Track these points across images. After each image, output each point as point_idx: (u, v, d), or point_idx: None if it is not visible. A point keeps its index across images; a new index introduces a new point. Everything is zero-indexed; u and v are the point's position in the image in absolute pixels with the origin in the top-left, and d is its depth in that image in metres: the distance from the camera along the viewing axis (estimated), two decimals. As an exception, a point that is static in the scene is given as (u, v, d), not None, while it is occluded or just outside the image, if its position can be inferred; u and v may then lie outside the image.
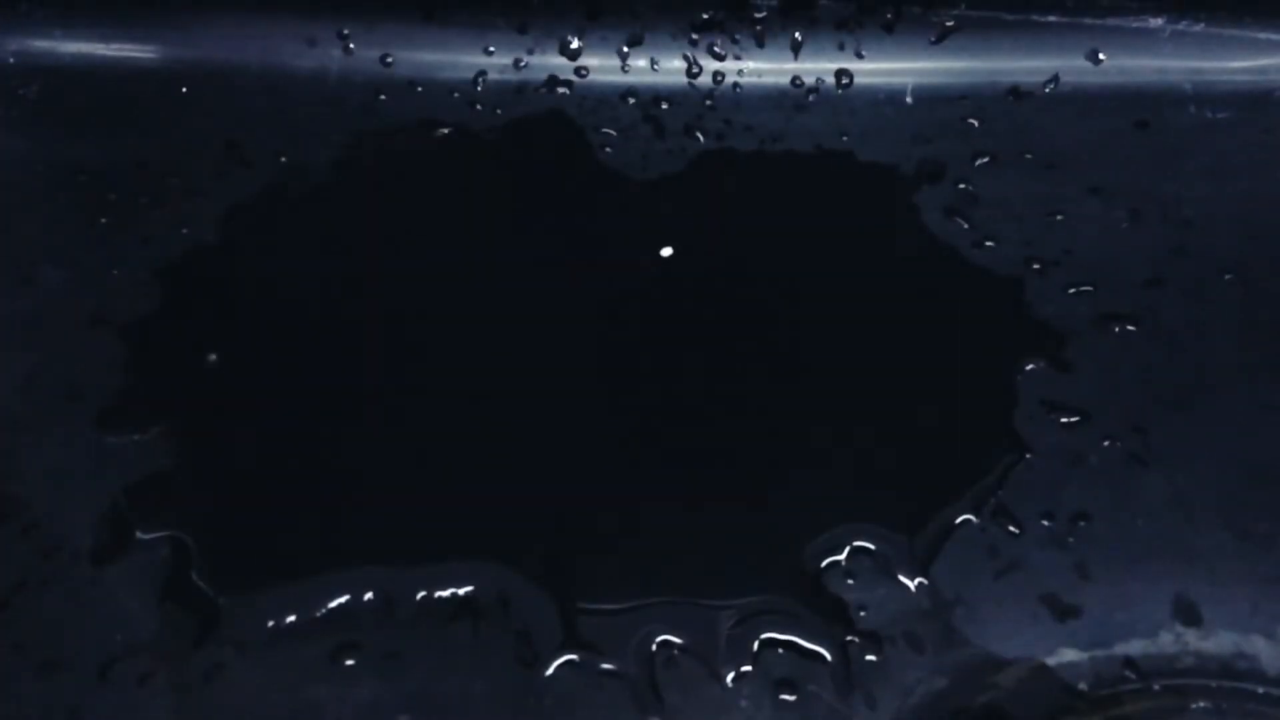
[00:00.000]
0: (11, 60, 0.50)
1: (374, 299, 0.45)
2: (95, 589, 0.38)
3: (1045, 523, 0.39)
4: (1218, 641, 0.36)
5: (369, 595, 0.38)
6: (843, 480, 0.41)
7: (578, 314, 0.45)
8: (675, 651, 0.37)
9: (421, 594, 0.38)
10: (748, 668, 0.36)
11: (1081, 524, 0.39)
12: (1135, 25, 0.50)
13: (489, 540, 0.39)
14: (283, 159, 0.48)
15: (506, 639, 0.37)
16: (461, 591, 0.38)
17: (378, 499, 0.41)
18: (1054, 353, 0.43)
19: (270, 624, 0.37)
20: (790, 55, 0.51)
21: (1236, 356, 0.43)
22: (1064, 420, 0.41)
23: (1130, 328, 0.44)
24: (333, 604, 0.38)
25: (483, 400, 0.43)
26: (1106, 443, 0.41)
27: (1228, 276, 0.45)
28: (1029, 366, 0.43)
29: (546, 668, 0.36)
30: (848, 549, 0.39)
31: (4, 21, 0.50)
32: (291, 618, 0.37)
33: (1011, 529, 0.39)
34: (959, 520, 0.39)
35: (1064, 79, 0.50)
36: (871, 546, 0.39)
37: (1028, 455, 0.41)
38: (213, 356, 0.43)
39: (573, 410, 0.43)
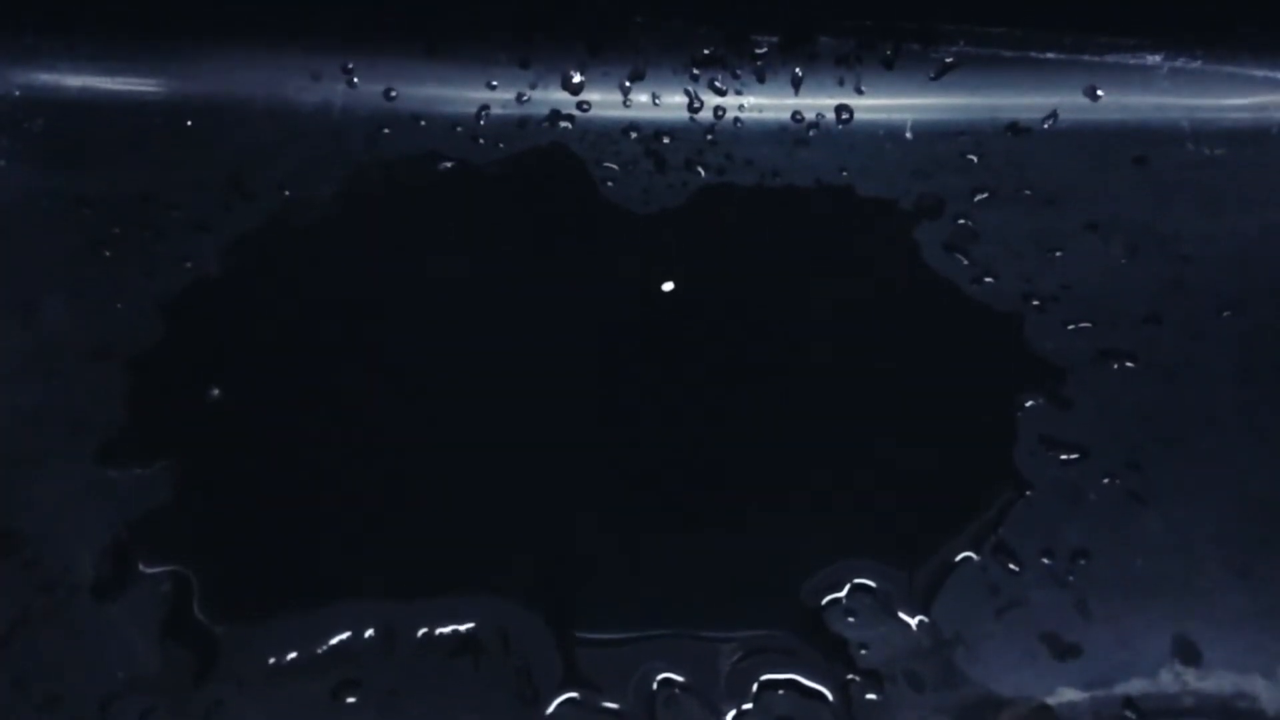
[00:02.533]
0: (17, 93, 0.50)
1: (376, 332, 0.45)
2: (96, 624, 0.38)
3: (1045, 560, 0.39)
4: (1217, 681, 0.36)
5: (370, 632, 0.38)
6: (843, 516, 0.41)
7: (580, 347, 0.45)
8: (676, 690, 0.37)
9: (423, 630, 0.38)
10: (748, 706, 0.36)
11: (1081, 561, 0.39)
12: (1133, 62, 0.50)
13: (489, 574, 0.39)
14: (286, 192, 0.49)
15: (507, 675, 0.37)
16: (463, 628, 0.38)
17: (379, 533, 0.41)
18: (1053, 389, 0.43)
19: (271, 660, 0.37)
20: (791, 91, 0.51)
21: (1235, 393, 0.43)
22: (1063, 457, 0.42)
23: (1129, 364, 0.44)
24: (334, 640, 0.38)
25: (484, 433, 0.43)
26: (1106, 480, 0.41)
27: (1226, 313, 0.45)
28: (1028, 403, 0.43)
29: (547, 706, 0.36)
30: (848, 586, 0.39)
31: (10, 55, 0.51)
32: (293, 654, 0.37)
33: (1012, 566, 0.39)
34: (959, 557, 0.39)
35: (1062, 115, 0.50)
36: (872, 584, 0.39)
37: (1028, 492, 0.41)
38: (215, 390, 0.43)
39: (574, 444, 0.43)
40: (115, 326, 0.45)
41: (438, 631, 0.38)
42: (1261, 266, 0.46)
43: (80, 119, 0.50)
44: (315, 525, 0.41)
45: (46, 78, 0.51)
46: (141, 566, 0.39)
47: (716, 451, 0.43)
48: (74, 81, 0.51)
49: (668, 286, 0.46)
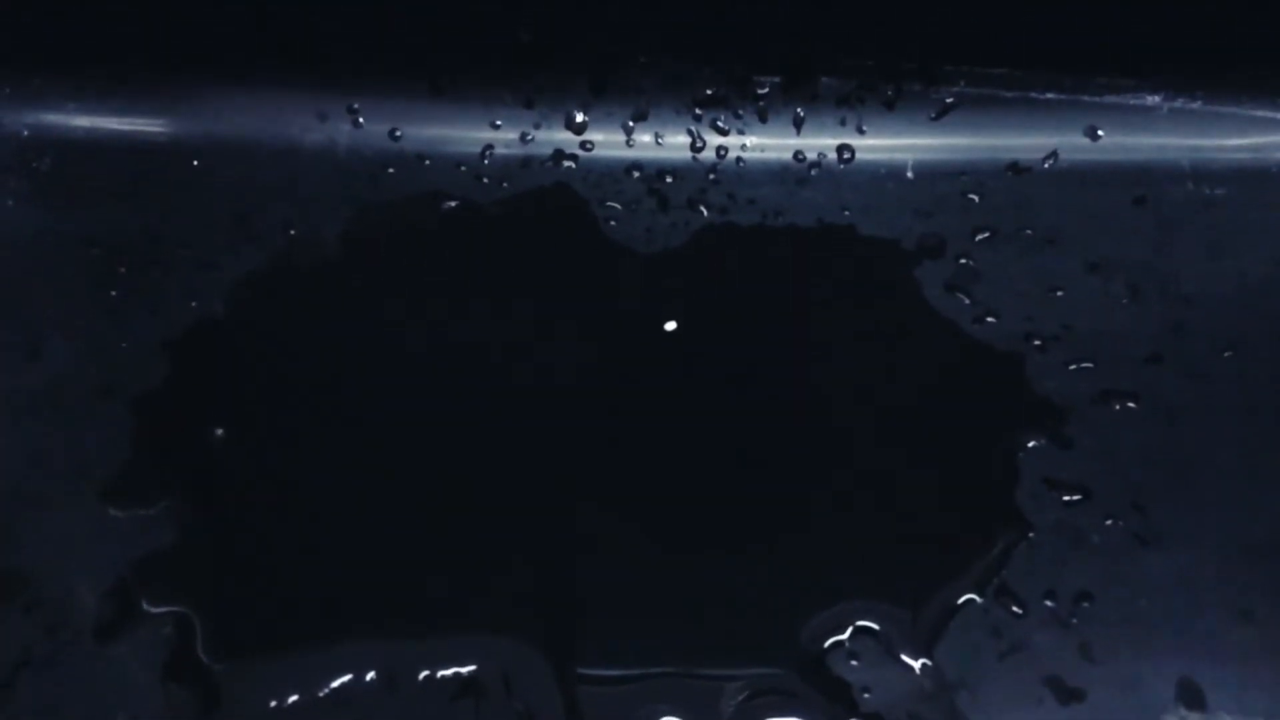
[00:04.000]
0: (25, 133, 0.51)
1: (380, 372, 0.46)
2: (99, 666, 0.38)
3: (1048, 603, 0.39)
4: (1222, 726, 0.36)
5: (371, 674, 0.38)
6: (844, 557, 0.41)
7: (582, 387, 0.45)
8: (678, 734, 0.37)
9: (424, 673, 0.38)
10: (751, 750, 0.36)
11: (1084, 604, 0.39)
12: (1133, 102, 0.51)
13: (491, 615, 0.40)
14: (291, 231, 0.49)
15: (509, 719, 0.37)
16: (464, 670, 0.38)
17: (381, 575, 0.41)
18: (1055, 429, 0.43)
19: (273, 703, 0.37)
20: (793, 131, 0.51)
21: (1237, 434, 0.43)
22: (1066, 498, 0.42)
23: (1131, 404, 0.44)
24: (335, 683, 0.38)
25: (486, 472, 0.43)
26: (1109, 521, 0.41)
27: (1228, 353, 0.45)
28: (1030, 443, 0.43)
29: (549, 750, 0.36)
30: (851, 628, 0.39)
31: (18, 95, 0.51)
32: (294, 697, 0.38)
33: (1015, 609, 0.39)
34: (962, 600, 0.39)
35: (1063, 155, 0.50)
36: (875, 626, 0.39)
37: (1030, 534, 0.41)
38: (219, 431, 0.43)
39: (576, 482, 0.43)
40: (120, 366, 0.45)
41: (439, 674, 0.38)
42: (1263, 306, 0.47)
43: (87, 158, 0.51)
44: (318, 566, 0.41)
45: (54, 118, 0.51)
46: (144, 607, 0.40)
47: (719, 491, 0.43)
48: (81, 121, 0.51)
49: (670, 326, 0.47)
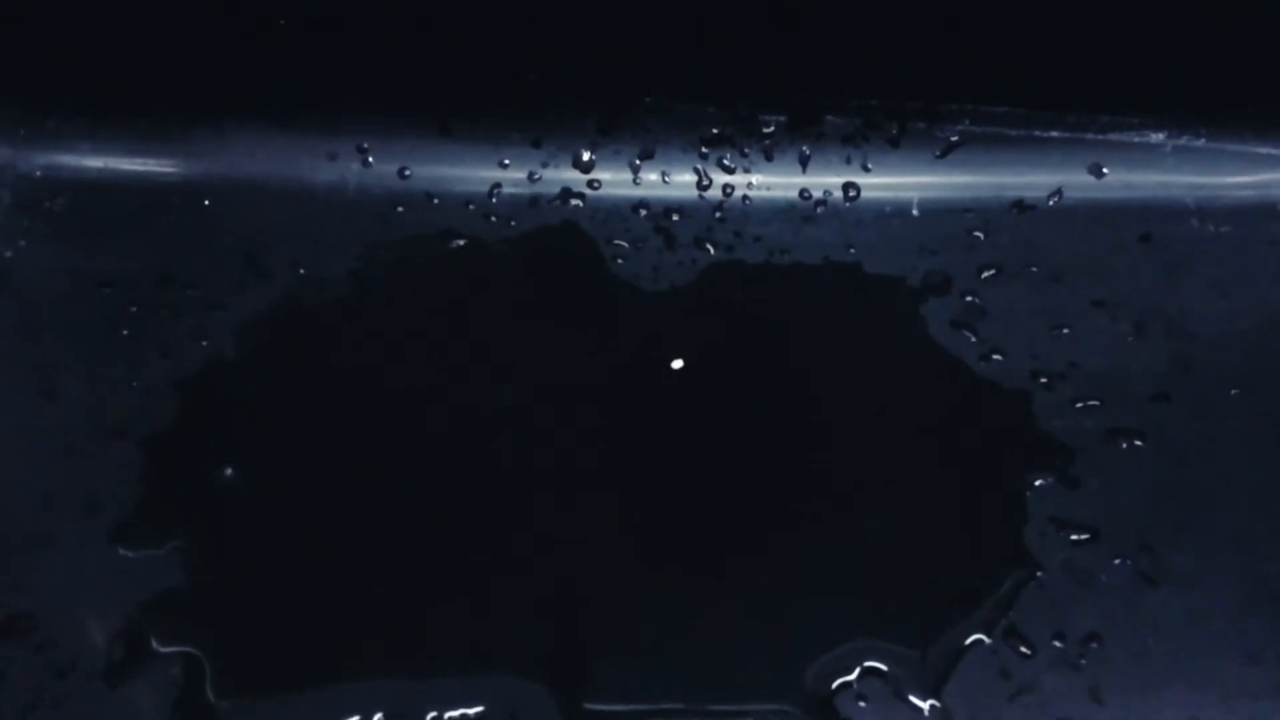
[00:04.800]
0: (39, 174, 0.51)
1: (388, 410, 0.46)
2: (108, 708, 0.38)
3: (1057, 644, 0.39)
4: (1232, 769, 0.36)
5: (379, 716, 0.38)
6: (852, 597, 0.41)
7: (590, 425, 0.46)
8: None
9: (431, 714, 0.38)
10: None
11: (1093, 645, 0.39)
12: (1137, 140, 0.51)
13: (499, 655, 0.40)
14: (301, 270, 0.49)
15: (517, 761, 0.37)
16: (472, 712, 0.38)
17: (390, 615, 0.41)
18: (1063, 468, 0.43)
19: (281, 746, 0.37)
20: (798, 168, 0.52)
21: (1245, 473, 0.43)
22: (1074, 538, 0.42)
23: (1138, 443, 0.44)
24: (344, 725, 0.38)
25: (494, 510, 0.43)
26: (1117, 560, 0.41)
27: (1234, 391, 0.45)
28: (1038, 482, 0.43)
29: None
30: (859, 669, 0.39)
31: (33, 136, 0.52)
32: (303, 739, 0.38)
33: (1024, 650, 0.39)
34: (970, 640, 0.39)
35: (1068, 193, 0.51)
36: (883, 667, 0.39)
37: (1039, 573, 0.41)
38: (229, 470, 0.44)
39: (583, 521, 0.43)
40: (131, 406, 0.45)
41: (447, 715, 0.38)
42: (1269, 344, 0.47)
43: (100, 198, 0.51)
44: (327, 607, 0.41)
45: (68, 158, 0.52)
46: (154, 648, 0.40)
47: (726, 530, 0.43)
48: (94, 162, 0.52)
49: (677, 364, 0.47)
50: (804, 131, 0.52)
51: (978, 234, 0.50)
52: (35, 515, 0.43)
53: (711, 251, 0.50)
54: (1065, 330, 0.47)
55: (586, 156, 0.52)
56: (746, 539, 0.42)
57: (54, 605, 0.41)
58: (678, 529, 0.43)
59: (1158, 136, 0.51)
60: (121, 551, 0.42)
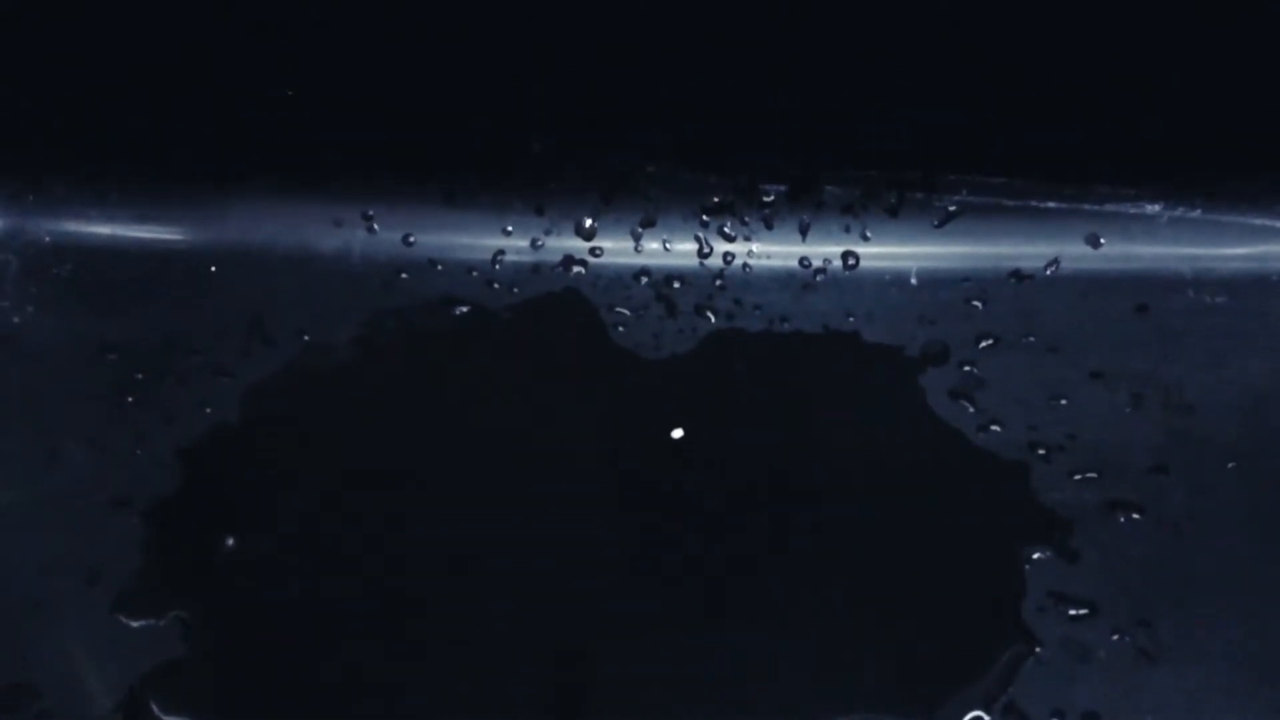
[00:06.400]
0: (47, 239, 0.52)
1: (391, 478, 0.46)
2: (106, 782, 0.38)
3: (1055, 721, 0.39)
4: None
5: (378, 791, 0.38)
6: (850, 670, 0.41)
7: (590, 493, 0.46)
8: None
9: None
10: None
11: (1092, 723, 0.39)
12: (1133, 211, 0.52)
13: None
14: (305, 337, 0.50)
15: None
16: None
17: (393, 683, 0.41)
18: (1061, 541, 0.43)
19: (279, 822, 0.37)
20: (798, 237, 0.52)
21: (1243, 547, 0.43)
22: (1072, 612, 0.42)
23: (1136, 515, 0.44)
24: (342, 801, 0.38)
25: (496, 577, 0.43)
26: (1115, 636, 0.41)
27: (1232, 463, 0.45)
28: (1036, 555, 0.43)
29: None
30: (858, 746, 0.39)
31: (41, 202, 0.52)
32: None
33: (1022, 728, 0.39)
34: (970, 717, 0.39)
35: (1064, 263, 0.51)
36: (882, 744, 0.39)
37: (1037, 649, 0.41)
38: (230, 540, 0.44)
39: (585, 587, 0.43)
40: (134, 474, 0.45)
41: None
42: (1267, 415, 0.47)
43: (107, 265, 0.52)
44: (328, 675, 0.41)
45: (75, 225, 0.52)
46: (156, 715, 0.40)
47: (723, 601, 0.43)
48: (102, 229, 0.52)
49: (677, 434, 0.47)
50: (804, 201, 0.52)
51: (976, 303, 0.50)
52: (35, 585, 0.43)
53: (712, 319, 0.51)
54: (1063, 401, 0.47)
55: (589, 224, 0.53)
56: (745, 611, 0.43)
57: (55, 674, 0.41)
58: (676, 599, 0.43)
59: (1154, 207, 0.52)
60: (123, 620, 0.42)
